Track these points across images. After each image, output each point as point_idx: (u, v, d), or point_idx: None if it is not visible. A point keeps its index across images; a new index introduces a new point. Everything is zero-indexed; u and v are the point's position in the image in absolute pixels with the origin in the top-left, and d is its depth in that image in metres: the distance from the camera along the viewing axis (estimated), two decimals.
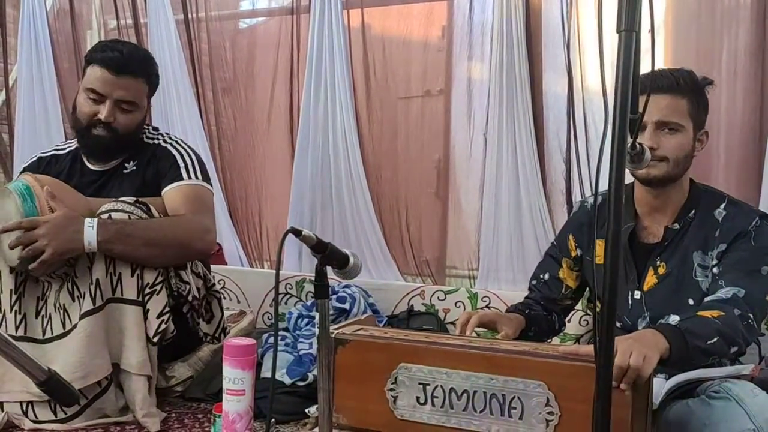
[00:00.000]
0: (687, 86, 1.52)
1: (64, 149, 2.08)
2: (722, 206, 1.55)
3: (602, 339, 0.90)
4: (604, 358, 0.91)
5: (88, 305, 1.66)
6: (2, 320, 1.71)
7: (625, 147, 0.92)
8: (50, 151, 2.10)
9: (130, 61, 1.89)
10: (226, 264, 2.79)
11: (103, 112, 1.87)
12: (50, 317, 1.72)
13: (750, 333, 1.40)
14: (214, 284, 1.98)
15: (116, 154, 1.97)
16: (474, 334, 1.53)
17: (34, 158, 2.08)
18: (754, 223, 1.51)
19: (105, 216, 1.70)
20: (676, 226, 1.57)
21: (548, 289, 1.75)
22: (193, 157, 1.96)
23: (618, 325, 1.53)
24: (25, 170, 2.01)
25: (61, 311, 1.71)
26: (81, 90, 1.92)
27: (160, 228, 1.74)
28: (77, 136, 2.00)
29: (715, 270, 1.51)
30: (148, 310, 1.72)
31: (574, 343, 2.14)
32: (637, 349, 1.19)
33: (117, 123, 1.89)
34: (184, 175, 1.91)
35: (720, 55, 2.12)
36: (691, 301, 1.52)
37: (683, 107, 1.52)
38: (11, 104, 3.25)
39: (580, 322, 2.20)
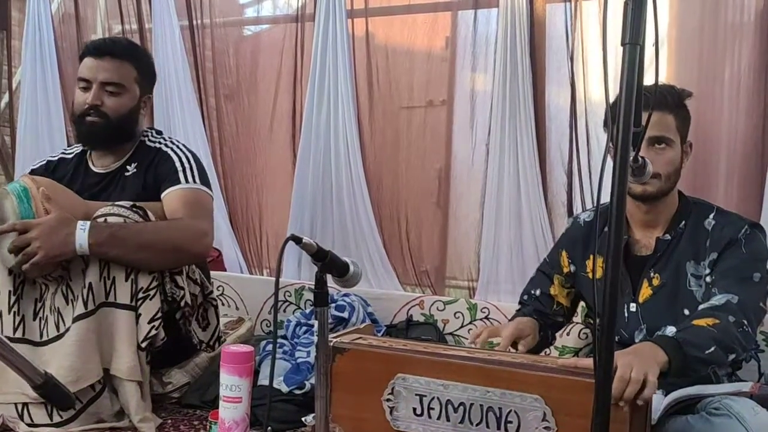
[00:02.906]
0: (673, 102, 1.56)
1: (71, 153, 2.09)
2: (711, 216, 1.57)
3: (602, 354, 0.90)
4: (603, 373, 0.90)
5: (80, 309, 1.66)
6: None
7: (628, 160, 0.92)
8: (58, 155, 2.12)
9: (112, 46, 1.96)
10: (225, 270, 2.78)
11: (89, 96, 1.90)
12: (47, 319, 1.71)
13: (746, 339, 1.40)
14: (211, 291, 1.97)
15: (112, 142, 1.97)
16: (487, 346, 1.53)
17: (43, 161, 2.10)
18: (743, 231, 1.53)
19: (101, 220, 1.70)
20: (668, 237, 1.58)
21: (540, 304, 1.76)
22: (192, 161, 1.96)
23: (615, 338, 1.53)
24: (32, 172, 2.03)
25: (56, 314, 1.70)
26: (75, 87, 1.98)
27: (156, 231, 1.73)
28: (75, 130, 2.01)
29: (708, 279, 1.52)
30: (140, 314, 1.70)
31: (573, 356, 2.13)
32: (637, 364, 1.19)
33: (105, 107, 1.91)
34: (182, 179, 1.90)
35: (723, 70, 2.12)
36: (686, 312, 1.52)
37: (671, 122, 1.55)
38: (14, 107, 3.26)
39: (579, 335, 2.19)
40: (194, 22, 2.87)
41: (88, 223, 1.66)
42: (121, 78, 1.93)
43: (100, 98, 1.90)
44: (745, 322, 1.40)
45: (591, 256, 1.68)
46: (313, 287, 1.20)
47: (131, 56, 1.98)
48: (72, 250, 1.63)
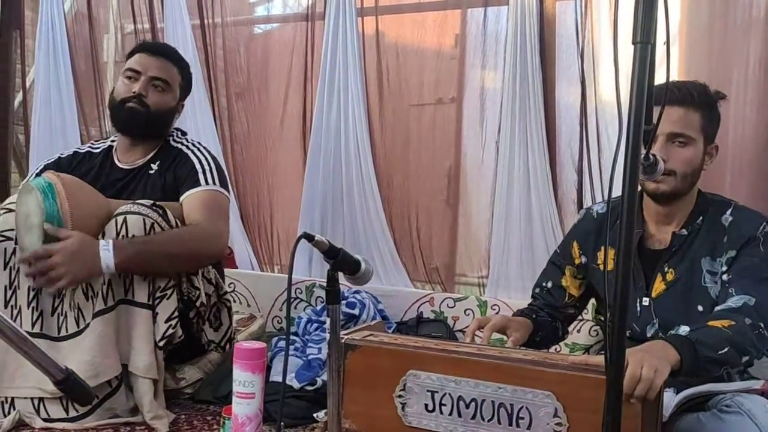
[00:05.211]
0: (700, 99, 1.52)
1: (98, 147, 2.14)
2: (729, 212, 1.54)
3: (613, 351, 0.90)
4: (614, 370, 0.90)
5: (100, 305, 1.68)
6: (18, 316, 1.72)
7: (639, 158, 0.92)
8: (86, 148, 2.17)
9: (166, 49, 2.13)
10: (236, 268, 2.80)
11: (137, 86, 1.99)
12: (66, 315, 1.73)
13: (761, 342, 1.39)
14: (226, 292, 2.00)
15: (147, 133, 2.03)
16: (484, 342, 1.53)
17: (71, 152, 2.15)
18: (762, 228, 1.50)
19: (120, 218, 1.72)
20: (684, 232, 1.56)
21: (551, 296, 1.75)
22: (212, 163, 2.00)
23: (627, 333, 1.52)
24: (60, 160, 2.09)
25: (76, 310, 1.72)
26: (120, 76, 2.07)
27: (178, 242, 1.76)
28: (111, 116, 2.08)
29: (724, 277, 1.49)
30: (157, 313, 1.74)
31: (584, 353, 2.14)
32: (648, 361, 1.19)
33: (149, 99, 2.00)
34: (202, 181, 1.95)
35: (733, 67, 2.11)
36: (700, 308, 1.51)
37: (696, 120, 1.51)
38: (28, 106, 3.29)
39: (590, 333, 2.20)
40: (205, 21, 2.89)
41: (110, 241, 1.67)
42: (169, 77, 2.05)
43: (146, 90, 2.00)
44: (762, 325, 1.38)
45: (602, 248, 1.66)
46: (323, 284, 1.21)
47: (179, 63, 2.11)
48: (99, 271, 1.65)
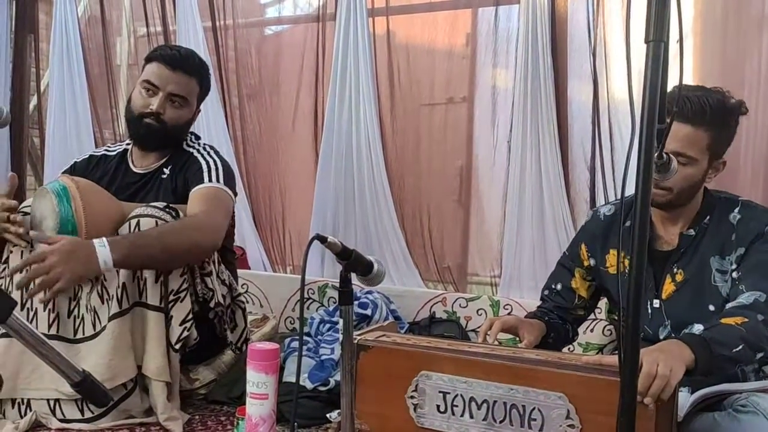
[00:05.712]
0: (712, 118, 1.44)
1: (114, 150, 2.14)
2: (736, 210, 1.53)
3: (627, 352, 0.90)
4: (628, 371, 0.90)
5: (115, 308, 1.69)
6: (33, 318, 1.73)
7: (653, 157, 0.92)
8: (102, 151, 2.17)
9: (186, 60, 2.00)
10: (249, 268, 2.82)
11: (155, 103, 1.94)
12: (82, 318, 1.74)
13: None
14: (239, 294, 2.01)
15: (163, 145, 2.02)
16: (496, 342, 1.52)
17: (86, 156, 2.15)
18: None
19: (134, 221, 1.73)
20: (691, 232, 1.55)
21: (561, 298, 1.74)
22: (219, 164, 1.99)
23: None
24: (75, 165, 2.09)
25: (92, 313, 1.73)
26: (137, 84, 2.01)
27: (172, 231, 1.73)
28: (128, 126, 2.06)
29: (734, 275, 1.48)
30: (172, 316, 1.74)
31: (598, 353, 2.12)
32: (663, 360, 1.18)
33: (166, 116, 1.96)
34: (206, 179, 1.94)
35: (747, 65, 2.09)
36: (711, 307, 1.50)
37: (702, 140, 1.46)
38: (43, 109, 3.32)
39: (603, 332, 2.18)
40: (217, 24, 2.90)
41: (105, 239, 1.62)
42: (187, 93, 2.00)
43: (163, 107, 1.95)
44: None
45: (611, 251, 1.65)
46: (336, 284, 1.21)
47: (199, 74, 2.04)
48: (96, 268, 1.59)
